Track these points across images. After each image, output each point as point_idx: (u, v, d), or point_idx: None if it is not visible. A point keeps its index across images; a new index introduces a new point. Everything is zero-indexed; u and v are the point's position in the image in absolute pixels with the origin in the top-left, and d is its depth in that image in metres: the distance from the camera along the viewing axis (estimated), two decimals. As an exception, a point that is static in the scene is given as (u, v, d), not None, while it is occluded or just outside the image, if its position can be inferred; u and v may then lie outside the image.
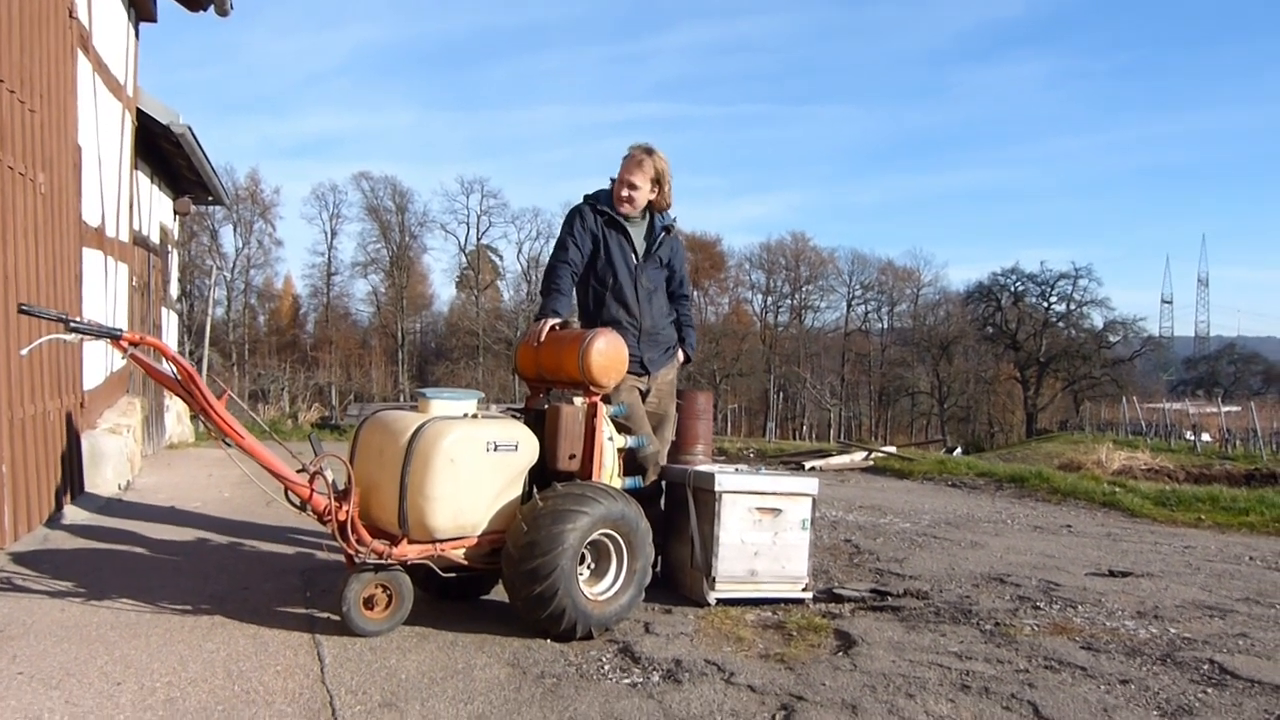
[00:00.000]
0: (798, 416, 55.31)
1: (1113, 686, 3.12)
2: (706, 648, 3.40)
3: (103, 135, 7.21)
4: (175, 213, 12.65)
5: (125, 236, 8.49)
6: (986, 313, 56.87)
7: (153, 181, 10.68)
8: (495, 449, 3.41)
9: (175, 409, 11.77)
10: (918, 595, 4.37)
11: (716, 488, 3.94)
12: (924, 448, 23.92)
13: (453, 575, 3.53)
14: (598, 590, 3.51)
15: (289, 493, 3.32)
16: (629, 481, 3.94)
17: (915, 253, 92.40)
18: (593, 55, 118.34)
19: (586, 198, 4.32)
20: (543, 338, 3.91)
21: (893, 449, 16.78)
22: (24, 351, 3.56)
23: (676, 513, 4.21)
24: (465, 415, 3.53)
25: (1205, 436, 30.13)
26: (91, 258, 6.85)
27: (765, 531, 4.04)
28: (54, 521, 5.21)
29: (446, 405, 3.54)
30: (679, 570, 4.20)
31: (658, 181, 4.26)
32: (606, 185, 4.33)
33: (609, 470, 3.79)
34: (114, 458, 6.57)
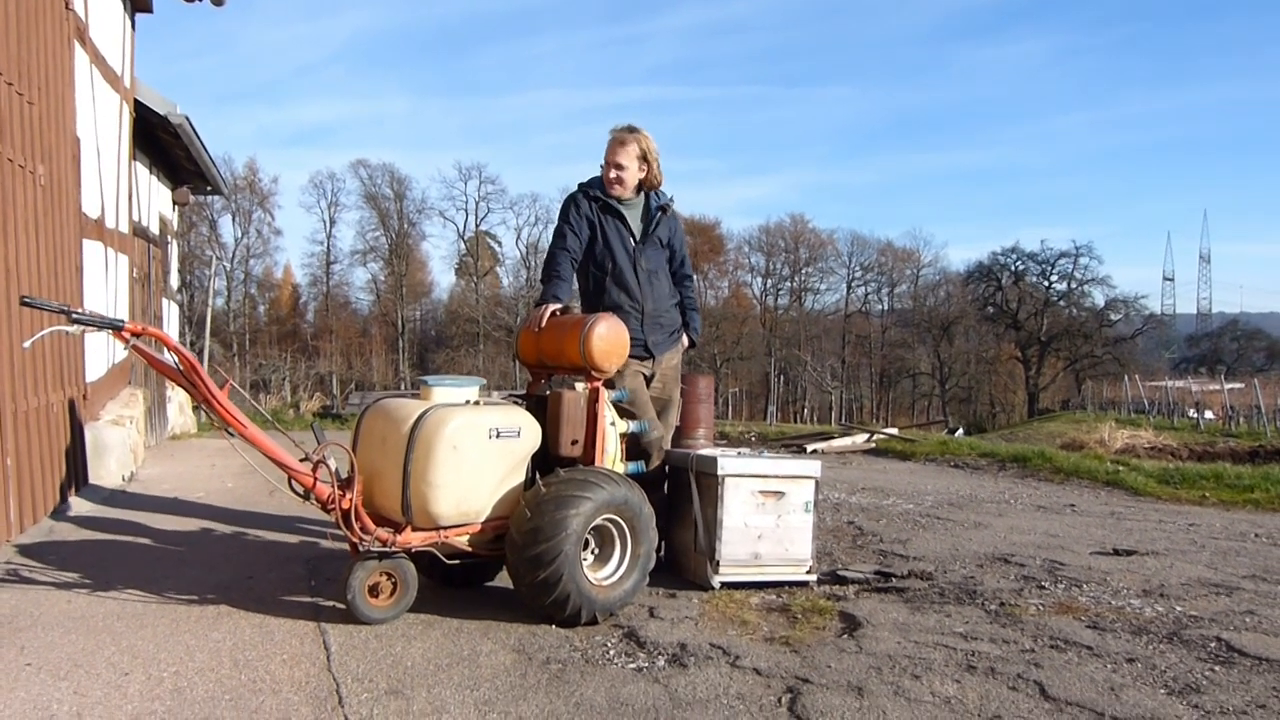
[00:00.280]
0: (799, 399, 55.27)
1: (1119, 665, 3.12)
2: (711, 631, 3.41)
3: (101, 126, 7.18)
4: (174, 203, 12.63)
5: (125, 227, 8.47)
6: (987, 292, 56.68)
7: (151, 172, 10.65)
8: (498, 435, 3.41)
9: (178, 400, 11.78)
10: (922, 576, 4.38)
11: (719, 471, 3.94)
12: (926, 429, 23.93)
13: (457, 562, 3.53)
14: (602, 575, 3.51)
15: (292, 482, 3.32)
16: (632, 466, 3.94)
17: (915, 233, 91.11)
18: (587, 39, 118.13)
19: (581, 185, 4.31)
20: (544, 323, 3.90)
21: (894, 431, 16.77)
22: (27, 344, 3.55)
23: (679, 497, 4.21)
24: (467, 402, 3.53)
25: (1208, 414, 30.08)
26: (92, 249, 6.84)
27: (768, 515, 4.03)
28: (59, 513, 5.22)
29: (448, 392, 3.54)
30: (683, 554, 4.21)
31: (645, 159, 4.23)
32: (599, 172, 4.31)
33: (611, 455, 3.79)
34: (117, 449, 6.58)
